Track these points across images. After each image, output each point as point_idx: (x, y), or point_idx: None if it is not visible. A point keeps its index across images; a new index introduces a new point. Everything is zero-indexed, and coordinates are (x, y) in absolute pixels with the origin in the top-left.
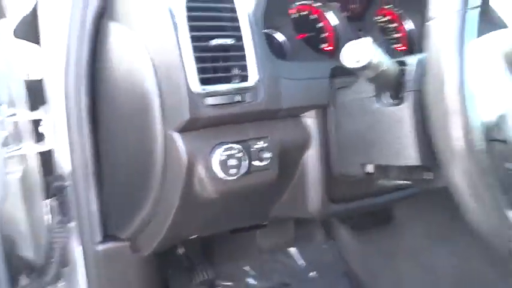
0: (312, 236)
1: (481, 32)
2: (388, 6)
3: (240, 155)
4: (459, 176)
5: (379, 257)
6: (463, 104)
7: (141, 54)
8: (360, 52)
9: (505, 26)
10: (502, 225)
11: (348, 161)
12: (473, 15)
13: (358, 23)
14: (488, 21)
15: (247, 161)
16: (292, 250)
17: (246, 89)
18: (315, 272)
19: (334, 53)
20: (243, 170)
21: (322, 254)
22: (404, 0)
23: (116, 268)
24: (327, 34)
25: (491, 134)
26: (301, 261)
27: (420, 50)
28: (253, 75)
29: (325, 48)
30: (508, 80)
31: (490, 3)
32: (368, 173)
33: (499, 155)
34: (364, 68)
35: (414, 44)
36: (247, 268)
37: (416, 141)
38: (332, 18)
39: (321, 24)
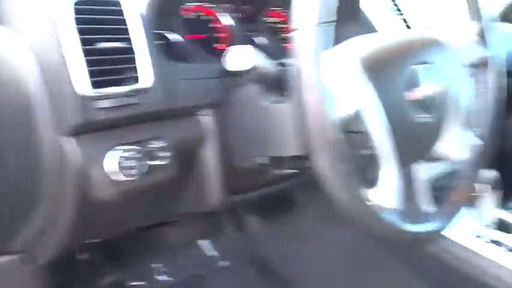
0: (222, 227)
1: (354, 34)
2: (278, 8)
3: (138, 155)
4: (322, 164)
5: (286, 241)
6: (321, 102)
7: (27, 60)
8: (242, 57)
9: (375, 30)
10: (360, 205)
11: (244, 154)
12: (329, 29)
13: (250, 24)
14: (361, 25)
15: (145, 162)
16: (203, 243)
17: (140, 91)
18: (226, 261)
19: None
20: (141, 170)
21: (233, 244)
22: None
23: (11, 284)
24: (221, 35)
25: (350, 126)
26: (212, 253)
27: None
28: (147, 77)
29: (220, 49)
30: (362, 81)
31: (361, 8)
32: (263, 164)
33: (356, 144)
34: (247, 71)
35: None
36: (158, 265)
37: (297, 134)
38: (225, 20)
39: (214, 25)
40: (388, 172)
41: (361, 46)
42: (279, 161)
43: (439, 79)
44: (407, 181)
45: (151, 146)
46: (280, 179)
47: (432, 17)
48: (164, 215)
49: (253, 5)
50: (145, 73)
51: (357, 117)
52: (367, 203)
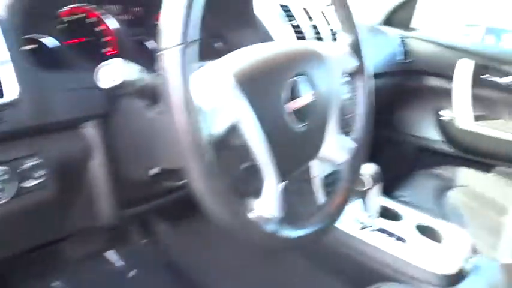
0: (130, 236)
1: (250, 42)
2: None
3: (5, 177)
4: (195, 181)
5: (197, 244)
6: (189, 122)
7: None
8: (113, 72)
9: (271, 39)
10: (236, 219)
11: (134, 166)
12: (192, 48)
13: (139, 27)
14: (258, 32)
15: (14, 183)
16: (109, 254)
17: (4, 106)
18: (134, 271)
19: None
20: (9, 193)
21: (142, 253)
22: None
23: None
24: (107, 38)
25: (226, 141)
26: (119, 263)
27: None
28: (12, 89)
29: (108, 53)
30: (235, 95)
31: (257, 16)
32: (155, 176)
33: (235, 158)
34: (120, 86)
35: None
36: (56, 284)
37: None
38: (111, 22)
39: (100, 28)
40: (270, 182)
41: (235, 61)
42: (170, 173)
43: (316, 89)
44: (298, 183)
45: (23, 165)
46: (174, 189)
47: (321, 25)
48: (52, 234)
49: (142, 6)
50: (9, 85)
51: (233, 132)
52: (246, 215)
